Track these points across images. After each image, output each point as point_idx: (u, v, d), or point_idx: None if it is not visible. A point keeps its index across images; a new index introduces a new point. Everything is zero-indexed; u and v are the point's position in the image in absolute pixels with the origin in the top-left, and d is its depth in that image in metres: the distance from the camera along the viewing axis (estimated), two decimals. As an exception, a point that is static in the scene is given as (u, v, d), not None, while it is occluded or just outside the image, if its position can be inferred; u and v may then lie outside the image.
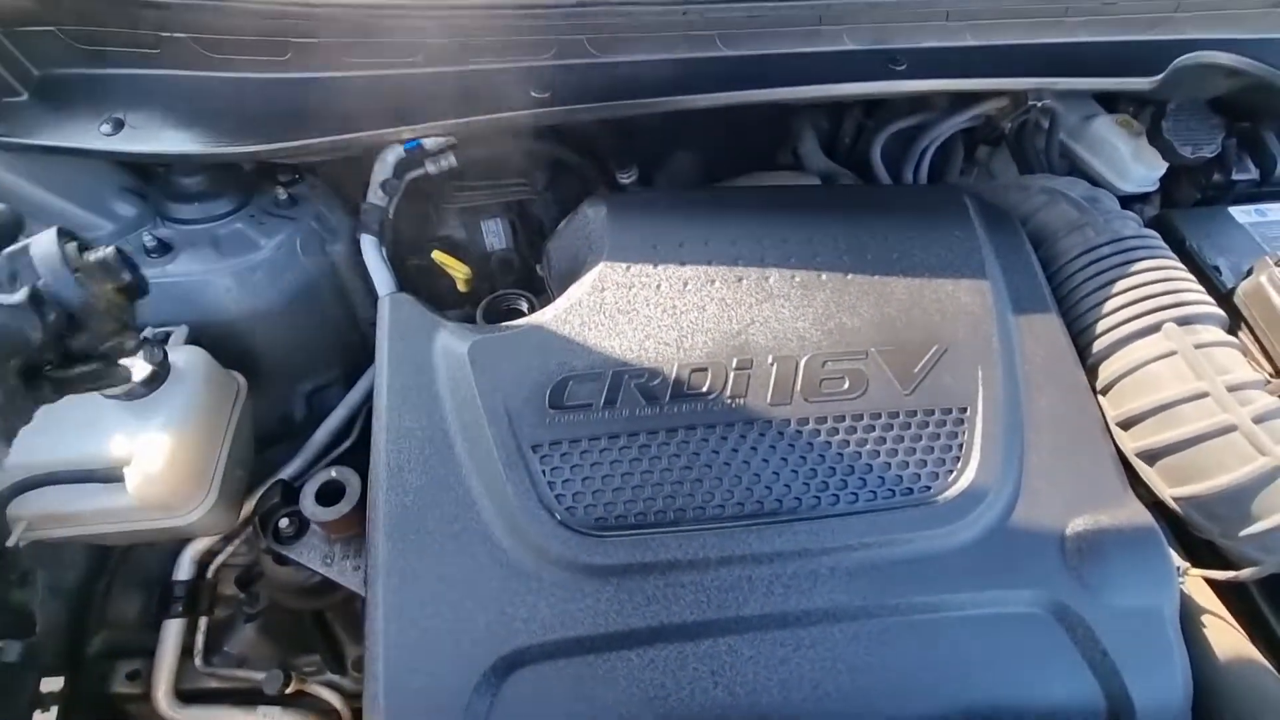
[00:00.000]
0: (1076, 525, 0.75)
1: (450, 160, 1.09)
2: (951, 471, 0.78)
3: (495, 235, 1.25)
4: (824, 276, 0.89)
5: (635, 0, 0.90)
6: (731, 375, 0.81)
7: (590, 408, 0.78)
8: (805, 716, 0.68)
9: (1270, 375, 0.87)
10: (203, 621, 0.98)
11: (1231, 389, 0.81)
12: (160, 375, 0.84)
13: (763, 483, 0.76)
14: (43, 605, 0.88)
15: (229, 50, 0.89)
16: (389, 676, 0.66)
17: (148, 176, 1.02)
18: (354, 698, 0.97)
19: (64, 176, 0.94)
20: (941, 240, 0.94)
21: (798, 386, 0.81)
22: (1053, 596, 0.72)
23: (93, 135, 0.87)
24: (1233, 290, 0.96)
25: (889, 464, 0.77)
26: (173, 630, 0.95)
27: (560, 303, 0.86)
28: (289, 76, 0.90)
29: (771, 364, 0.82)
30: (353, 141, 0.92)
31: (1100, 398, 0.90)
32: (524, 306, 1.01)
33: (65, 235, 0.68)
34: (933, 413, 0.80)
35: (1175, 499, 0.84)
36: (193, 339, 0.95)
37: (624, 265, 0.87)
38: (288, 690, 0.94)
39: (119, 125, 0.88)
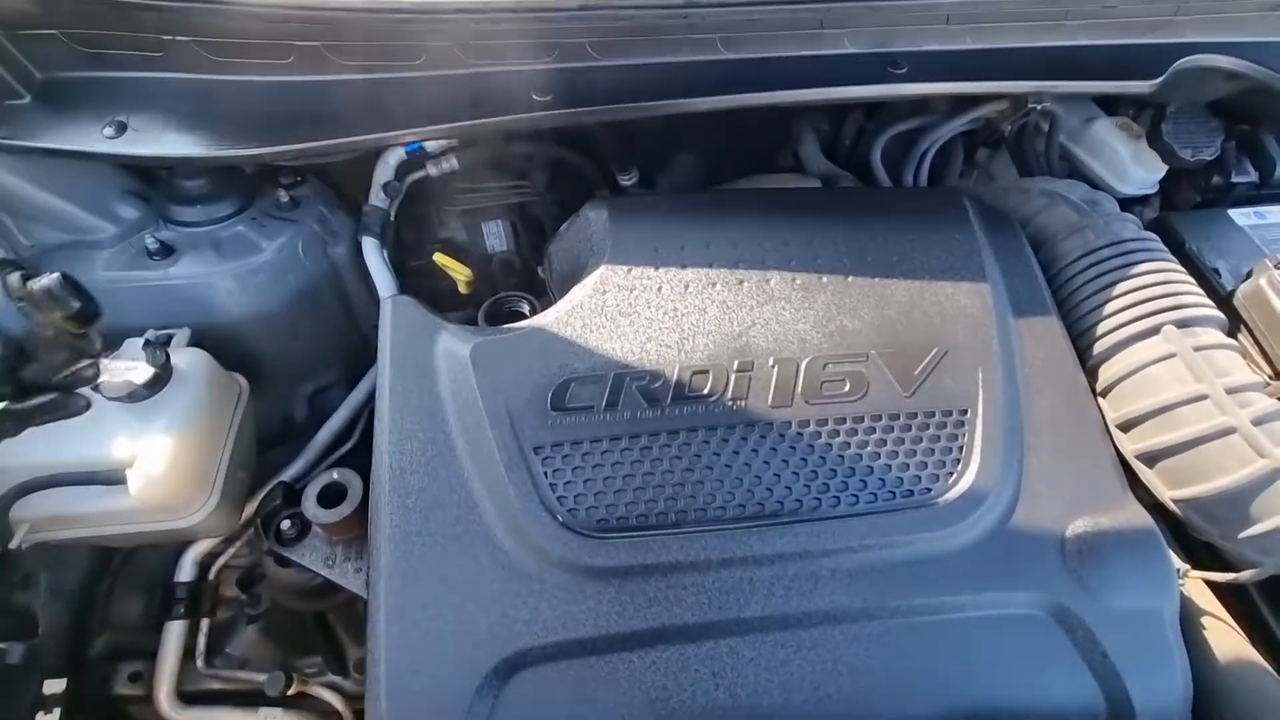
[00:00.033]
0: (1076, 527, 0.76)
1: (452, 162, 1.09)
2: (952, 474, 0.78)
3: (496, 237, 1.26)
4: (824, 279, 0.89)
5: (637, 4, 0.90)
6: (732, 377, 0.81)
7: (592, 410, 0.78)
8: (806, 718, 0.68)
9: (1269, 378, 0.88)
10: (204, 623, 0.98)
11: (1231, 391, 0.81)
12: (162, 378, 0.85)
13: (764, 484, 0.76)
14: (45, 607, 0.88)
15: (232, 53, 0.89)
16: (391, 678, 0.66)
17: (150, 179, 1.02)
18: (355, 699, 0.97)
19: (66, 179, 0.94)
20: (942, 243, 0.94)
21: (798, 389, 0.81)
22: (1053, 598, 0.73)
23: (95, 138, 0.87)
24: (1232, 293, 0.96)
25: (889, 466, 0.78)
26: (175, 632, 0.96)
27: (562, 305, 0.86)
28: (291, 80, 0.90)
29: (772, 366, 0.82)
30: (355, 145, 0.92)
31: (1100, 400, 0.90)
32: (525, 309, 1.01)
33: (7, 265, 0.67)
34: (933, 415, 0.81)
35: (1175, 501, 0.84)
36: (195, 341, 0.96)
37: (625, 268, 0.88)
38: (289, 692, 0.94)
39: (121, 128, 0.88)
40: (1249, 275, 0.95)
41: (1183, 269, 0.95)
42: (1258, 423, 0.79)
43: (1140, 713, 0.70)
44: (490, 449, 0.76)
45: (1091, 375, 0.91)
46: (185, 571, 0.98)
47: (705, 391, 0.80)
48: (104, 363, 0.84)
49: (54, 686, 0.90)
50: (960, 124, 1.22)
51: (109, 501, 0.83)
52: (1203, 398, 0.82)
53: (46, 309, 0.65)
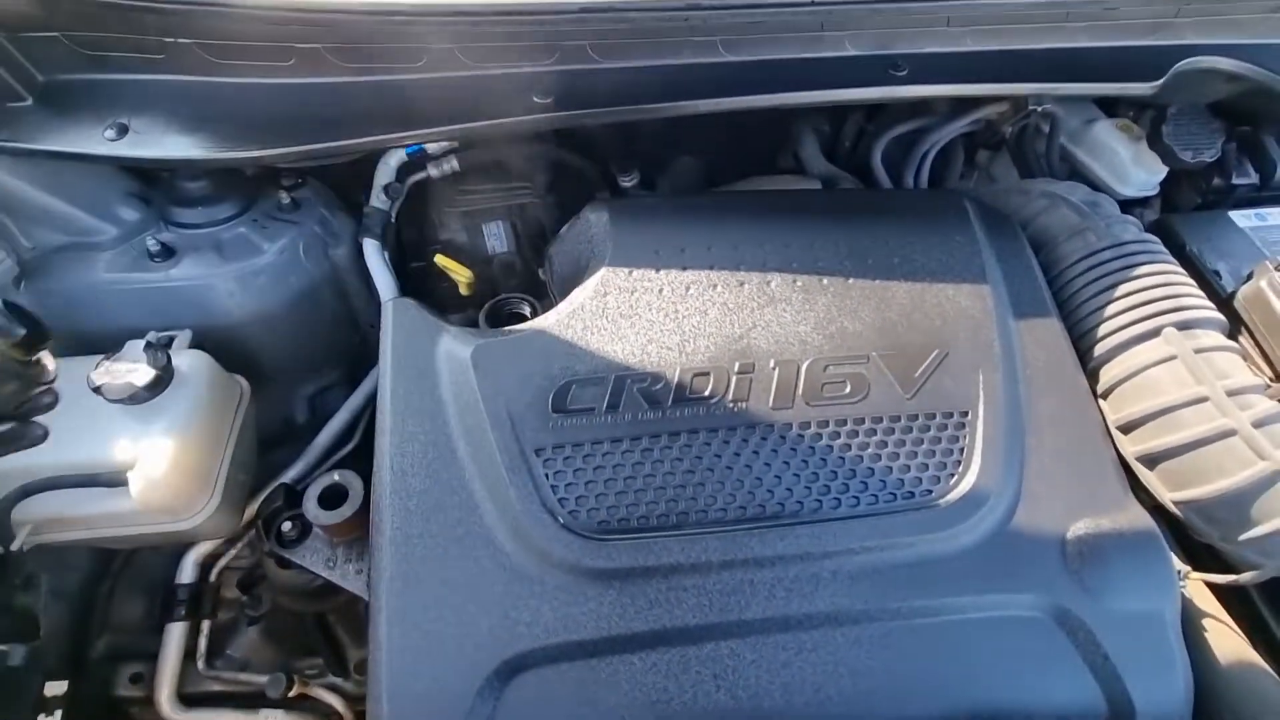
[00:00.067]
0: (1077, 529, 0.76)
1: (452, 164, 1.09)
2: (953, 475, 0.78)
3: (497, 238, 1.26)
4: (825, 281, 0.89)
5: (638, 6, 0.90)
6: (733, 379, 0.81)
7: (593, 412, 0.78)
8: (807, 720, 0.68)
9: (1270, 380, 0.88)
10: (205, 625, 0.98)
11: (1231, 393, 0.81)
12: (164, 380, 0.85)
13: (764, 486, 0.76)
14: (46, 609, 0.88)
15: (233, 55, 0.89)
16: (392, 680, 0.66)
17: (151, 181, 1.02)
18: (356, 700, 0.97)
19: (68, 181, 0.94)
20: (942, 244, 0.94)
21: (799, 390, 0.81)
22: (1054, 600, 0.73)
23: (97, 140, 0.88)
24: (1233, 295, 0.96)
25: (890, 468, 0.78)
26: (175, 633, 0.96)
27: (563, 307, 0.86)
28: (292, 82, 0.90)
29: (773, 368, 0.82)
30: (356, 147, 0.92)
31: (1101, 402, 0.90)
32: (526, 310, 1.02)
33: None
34: (934, 416, 0.81)
35: (1175, 503, 0.84)
36: (196, 343, 0.96)
37: (626, 270, 0.88)
38: (290, 693, 0.94)
39: (123, 130, 0.88)
40: (1250, 277, 0.95)
41: (1183, 271, 0.95)
42: (1258, 425, 0.79)
43: (1141, 714, 0.70)
44: (491, 451, 0.76)
45: (1092, 377, 0.91)
46: (186, 573, 0.98)
47: (706, 393, 0.80)
48: (105, 364, 0.84)
49: (55, 688, 0.90)
50: (961, 126, 1.23)
51: (110, 503, 0.83)
52: (1203, 400, 0.82)
53: None
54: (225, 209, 1.02)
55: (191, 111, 0.90)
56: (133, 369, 0.83)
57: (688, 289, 0.87)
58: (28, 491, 0.80)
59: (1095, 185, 1.14)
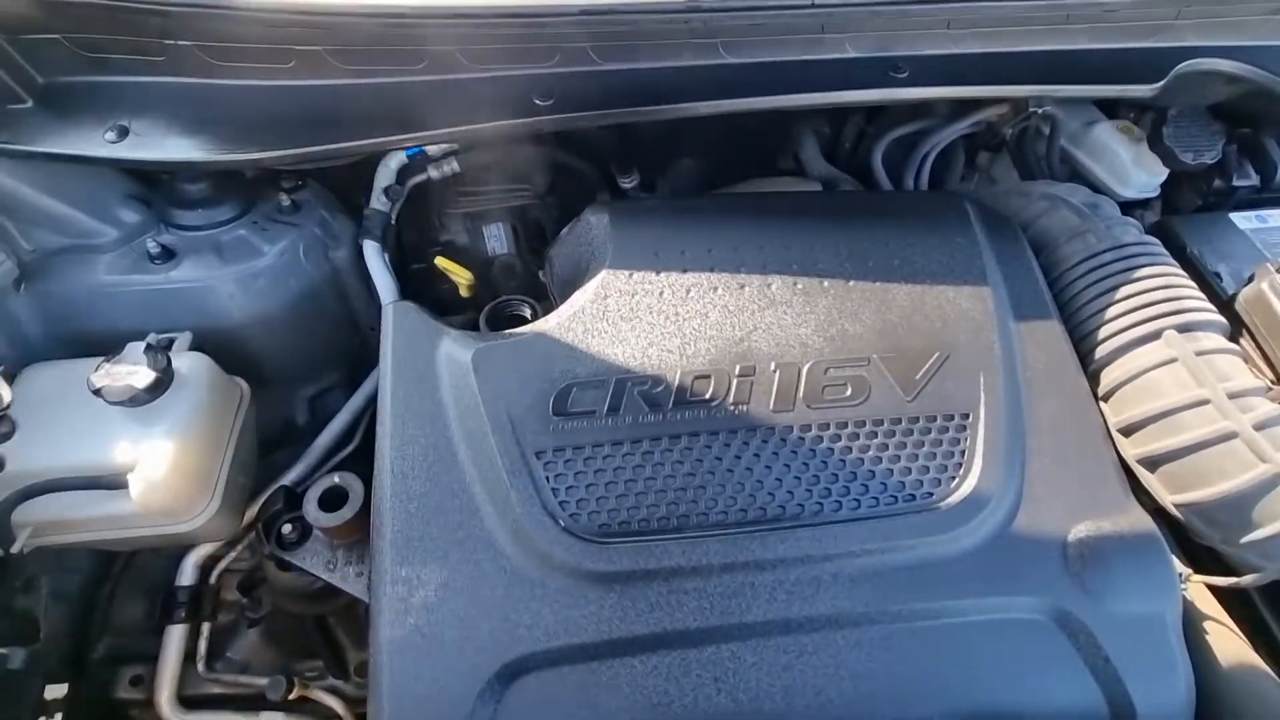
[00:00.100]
0: (1079, 531, 0.76)
1: (453, 166, 1.09)
2: (954, 478, 0.78)
3: (497, 240, 1.26)
4: (826, 283, 0.89)
5: (638, 8, 0.90)
6: (734, 382, 0.81)
7: (594, 414, 0.78)
8: (808, 723, 0.68)
9: (1271, 382, 0.87)
10: (205, 627, 0.98)
11: (1233, 396, 0.81)
12: (164, 382, 0.85)
13: (765, 489, 0.76)
14: (46, 611, 0.88)
15: (233, 58, 0.89)
16: (393, 683, 0.66)
17: (152, 183, 1.03)
18: (356, 703, 0.97)
19: (69, 184, 0.94)
20: (943, 246, 0.94)
21: (800, 393, 0.81)
22: (1055, 603, 0.72)
23: (97, 143, 0.88)
24: (1234, 297, 0.95)
25: (891, 470, 0.78)
26: (176, 636, 0.96)
27: (563, 310, 0.86)
28: (293, 84, 0.90)
29: (774, 370, 0.82)
30: (356, 149, 0.92)
31: (1102, 404, 0.90)
32: (527, 312, 1.02)
33: None
34: (935, 419, 0.81)
35: (1176, 505, 0.84)
36: (196, 345, 0.95)
37: (627, 272, 0.88)
38: (290, 696, 0.94)
39: (124, 133, 0.88)
40: (1251, 279, 0.95)
41: (1184, 273, 0.95)
42: (1260, 427, 0.79)
43: (1142, 717, 0.70)
44: (492, 454, 0.76)
45: (1093, 379, 0.91)
46: (186, 575, 0.98)
47: (707, 396, 0.80)
48: (106, 367, 0.84)
49: (55, 691, 0.90)
50: (961, 127, 1.22)
51: (110, 506, 0.83)
52: (1204, 402, 0.82)
53: None
54: (225, 211, 1.02)
55: (192, 114, 0.90)
56: (133, 371, 0.83)
57: (688, 291, 0.87)
58: (28, 494, 0.80)
59: (1096, 187, 1.14)
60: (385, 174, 1.06)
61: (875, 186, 1.24)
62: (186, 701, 0.95)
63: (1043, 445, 0.81)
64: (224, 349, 0.98)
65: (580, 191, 1.22)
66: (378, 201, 1.05)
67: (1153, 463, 0.86)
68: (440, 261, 1.16)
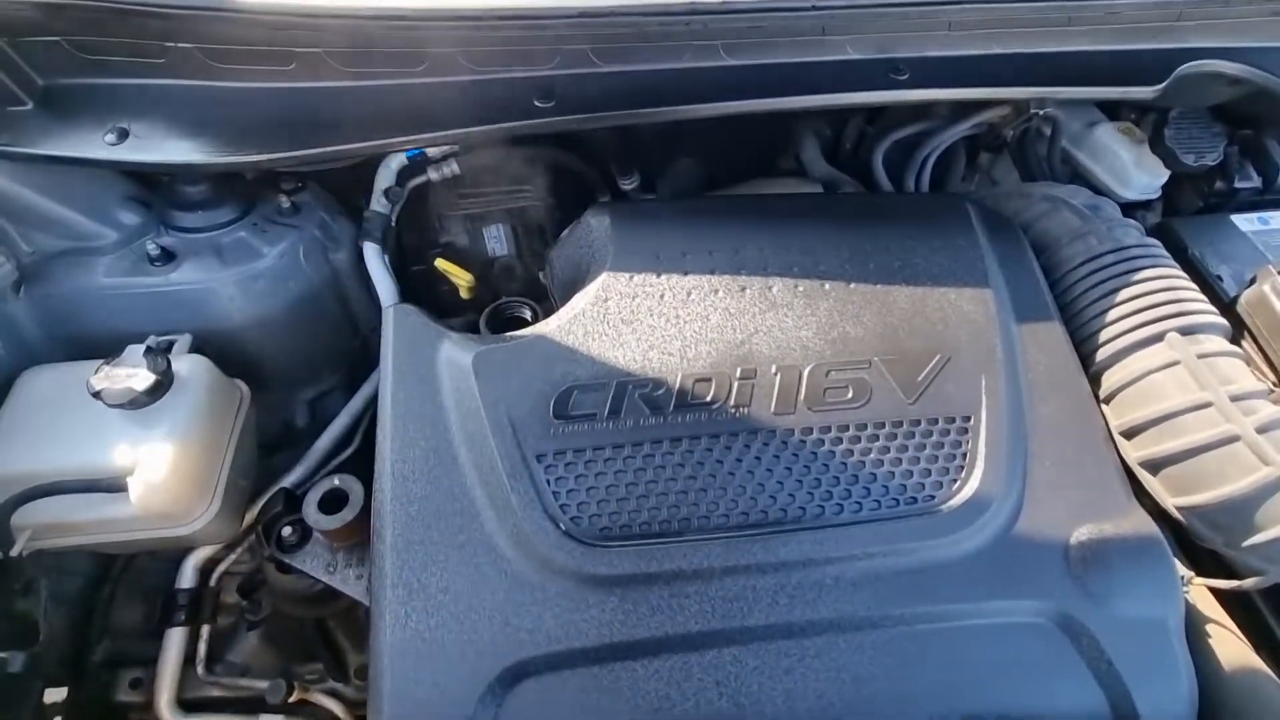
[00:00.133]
0: (1081, 535, 0.75)
1: (453, 167, 1.09)
2: (955, 481, 0.78)
3: (498, 241, 1.25)
4: (827, 285, 0.89)
5: (639, 10, 0.90)
6: (735, 385, 0.81)
7: (595, 418, 0.78)
8: (809, 727, 0.68)
9: (1273, 385, 0.87)
10: (205, 630, 0.98)
11: (1235, 399, 0.81)
12: (163, 384, 0.85)
13: (767, 492, 0.76)
14: (46, 614, 0.88)
15: (233, 60, 0.89)
16: (393, 687, 0.66)
17: (152, 185, 1.02)
18: (356, 706, 0.97)
19: (68, 186, 0.94)
20: (944, 248, 0.94)
21: (801, 396, 0.81)
22: (1057, 606, 0.72)
23: (97, 145, 0.87)
24: (1236, 299, 0.96)
25: (893, 473, 0.77)
26: (175, 639, 0.95)
27: (564, 313, 0.86)
28: (293, 86, 0.90)
29: (775, 373, 0.82)
30: (356, 151, 0.92)
31: (1103, 407, 0.90)
32: (527, 314, 1.02)
33: None
34: (936, 422, 0.81)
35: (1178, 509, 0.84)
36: (196, 347, 0.95)
37: (627, 275, 0.88)
38: (290, 699, 0.94)
39: (123, 135, 0.88)
40: (1252, 281, 0.95)
41: (1186, 275, 0.95)
42: (1262, 430, 0.79)
43: (1145, 720, 0.70)
44: (493, 457, 0.76)
45: (1095, 382, 0.91)
46: (186, 578, 0.98)
47: (708, 399, 0.80)
48: (105, 369, 0.83)
49: (55, 694, 0.90)
50: (962, 129, 1.22)
51: (110, 509, 0.83)
52: (1206, 405, 0.82)
53: None
54: (225, 213, 1.01)
55: (192, 116, 0.90)
56: (132, 374, 0.83)
57: (689, 294, 0.87)
58: (27, 497, 0.80)
59: (1097, 188, 1.14)
60: (385, 176, 1.05)
61: (876, 188, 1.24)
62: (186, 705, 0.94)
63: (1044, 448, 0.81)
64: (224, 351, 0.97)
65: (581, 192, 1.22)
66: (378, 203, 1.05)
67: (1155, 466, 0.85)
68: (440, 263, 1.16)
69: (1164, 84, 0.97)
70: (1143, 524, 0.77)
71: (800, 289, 0.88)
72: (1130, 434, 0.88)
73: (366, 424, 1.05)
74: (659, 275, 0.88)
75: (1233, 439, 0.79)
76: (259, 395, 1.01)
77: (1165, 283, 0.91)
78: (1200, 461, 0.81)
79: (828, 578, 0.72)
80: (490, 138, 0.93)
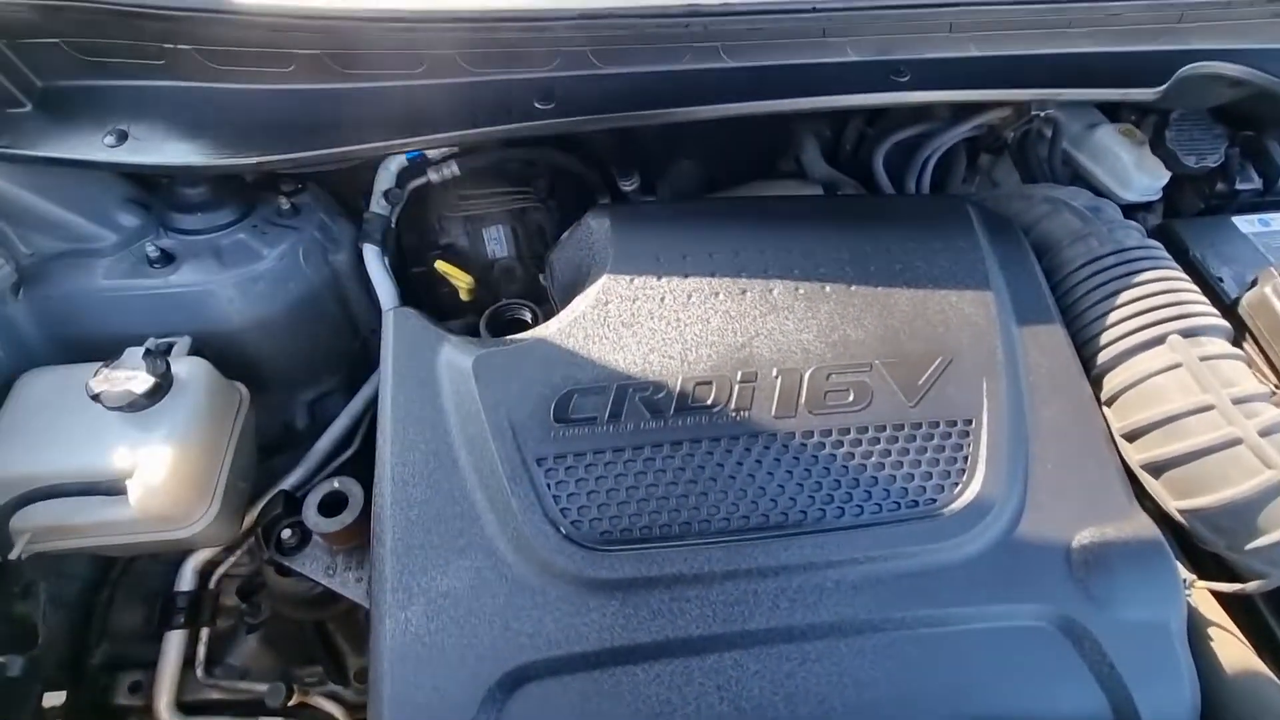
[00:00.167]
0: (1082, 538, 0.75)
1: (453, 169, 1.09)
2: (957, 484, 0.77)
3: (498, 243, 1.25)
4: (828, 288, 0.89)
5: (639, 12, 0.90)
6: (736, 388, 0.81)
7: (595, 421, 0.78)
8: (811, 731, 0.68)
9: (1275, 387, 0.87)
10: (204, 633, 0.98)
11: (1237, 401, 0.81)
12: (163, 387, 0.85)
13: (768, 496, 0.76)
14: (45, 618, 0.88)
15: (233, 61, 0.88)
16: (394, 692, 0.66)
17: (151, 187, 1.02)
18: (357, 709, 0.97)
19: (67, 188, 0.94)
20: (945, 250, 0.93)
21: (802, 399, 0.81)
22: (1059, 610, 0.72)
23: (96, 147, 0.87)
24: (1237, 301, 0.95)
25: (894, 476, 0.77)
26: (174, 642, 0.95)
27: (564, 316, 0.86)
28: (292, 88, 0.90)
29: (776, 376, 0.82)
30: (356, 153, 0.92)
31: (1105, 409, 0.90)
32: (527, 316, 1.01)
33: None
34: (937, 425, 0.80)
35: (1181, 512, 0.84)
36: (195, 349, 0.95)
37: (628, 278, 0.87)
38: (290, 702, 0.94)
39: (123, 137, 0.88)
40: (1254, 283, 0.95)
41: (1187, 277, 0.95)
42: (1264, 433, 0.79)
43: (1147, 724, 0.70)
44: (493, 461, 0.75)
45: (1096, 384, 0.91)
46: (185, 581, 0.98)
47: (709, 402, 0.80)
48: (104, 372, 0.83)
49: (53, 698, 0.89)
50: (963, 131, 1.22)
51: (109, 512, 0.82)
52: (1208, 408, 0.82)
53: None
54: (225, 215, 1.01)
55: (191, 117, 0.90)
56: (132, 376, 0.83)
57: (689, 297, 0.87)
58: (26, 499, 0.79)
59: (1098, 190, 1.14)
60: (385, 177, 1.05)
61: (877, 189, 1.24)
62: (185, 708, 0.94)
63: (1046, 451, 0.81)
64: (223, 353, 0.97)
65: (581, 194, 1.22)
66: (377, 205, 1.05)
67: (1157, 468, 0.85)
68: (440, 265, 1.16)
69: (1165, 85, 0.97)
70: (1144, 527, 0.77)
71: (801, 291, 0.88)
72: (1132, 437, 0.87)
73: (366, 426, 1.05)
74: (659, 278, 0.88)
75: (1235, 442, 0.79)
76: (258, 397, 1.01)
77: (1167, 285, 0.91)
78: (1202, 464, 0.81)
79: (829, 581, 0.72)
80: (490, 139, 0.93)
